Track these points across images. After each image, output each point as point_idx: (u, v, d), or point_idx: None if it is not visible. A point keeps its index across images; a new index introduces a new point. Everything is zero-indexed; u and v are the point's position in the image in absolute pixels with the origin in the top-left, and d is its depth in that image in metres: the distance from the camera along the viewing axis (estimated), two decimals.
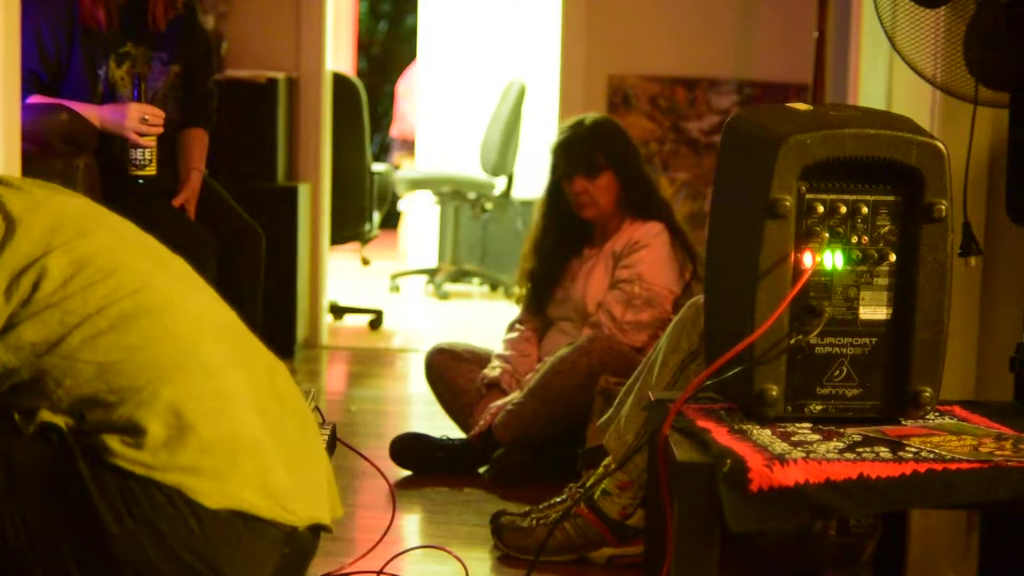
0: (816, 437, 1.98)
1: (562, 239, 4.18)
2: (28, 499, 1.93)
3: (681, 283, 4.04)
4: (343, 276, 7.79)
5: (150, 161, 3.83)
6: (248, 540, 1.99)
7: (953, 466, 1.85)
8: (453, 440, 4.07)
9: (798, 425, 2.04)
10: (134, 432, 1.92)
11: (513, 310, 4.51)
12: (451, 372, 4.23)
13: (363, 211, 6.74)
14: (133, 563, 1.92)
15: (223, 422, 1.99)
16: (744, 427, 2.01)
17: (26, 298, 1.94)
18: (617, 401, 3.22)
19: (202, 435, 1.95)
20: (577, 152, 4.06)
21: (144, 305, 2.00)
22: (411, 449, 4.02)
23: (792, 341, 2.03)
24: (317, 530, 2.15)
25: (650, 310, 3.98)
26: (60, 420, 1.94)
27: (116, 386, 1.94)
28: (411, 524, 3.63)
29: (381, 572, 2.93)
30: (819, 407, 2.06)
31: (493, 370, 4.16)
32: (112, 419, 1.93)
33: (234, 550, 1.97)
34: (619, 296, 4.00)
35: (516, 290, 4.35)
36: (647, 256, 4.01)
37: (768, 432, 1.99)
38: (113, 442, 1.92)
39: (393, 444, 4.03)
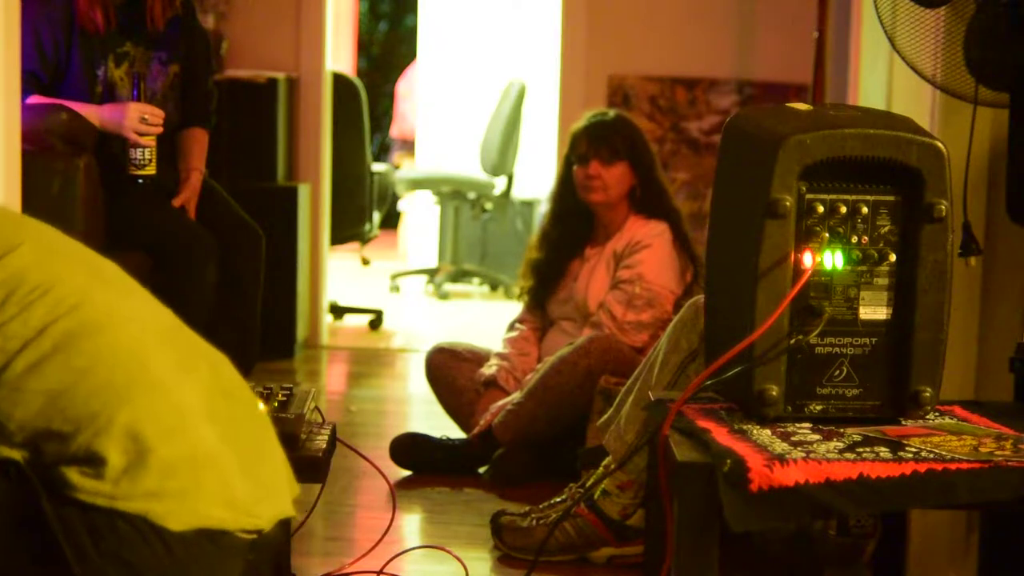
0: (816, 437, 1.98)
1: (568, 233, 4.19)
2: None
3: (682, 284, 4.04)
4: (343, 276, 7.79)
5: (150, 161, 3.83)
6: (215, 555, 1.93)
7: (953, 466, 1.85)
8: (453, 440, 4.07)
9: (798, 425, 2.04)
10: (93, 462, 1.84)
11: (513, 310, 4.51)
12: (451, 372, 4.23)
13: (363, 211, 6.74)
14: None
15: (182, 440, 1.91)
16: (744, 427, 2.01)
17: None
18: (617, 401, 3.22)
19: (163, 457, 1.87)
20: (598, 136, 4.07)
21: (86, 322, 1.90)
22: (411, 449, 4.02)
23: (792, 341, 2.02)
24: (283, 525, 2.10)
25: (651, 310, 3.98)
26: (16, 454, 1.84)
27: (70, 415, 1.85)
28: (411, 524, 3.63)
29: (381, 572, 2.93)
30: (819, 407, 2.06)
31: (490, 368, 4.16)
32: (69, 451, 1.84)
33: (201, 568, 1.91)
34: (620, 296, 4.00)
35: (519, 284, 4.34)
36: (648, 256, 4.01)
37: (768, 432, 1.99)
38: (72, 475, 1.83)
39: (393, 444, 4.03)
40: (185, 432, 1.93)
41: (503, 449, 3.94)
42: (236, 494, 1.95)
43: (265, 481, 2.04)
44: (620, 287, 4.01)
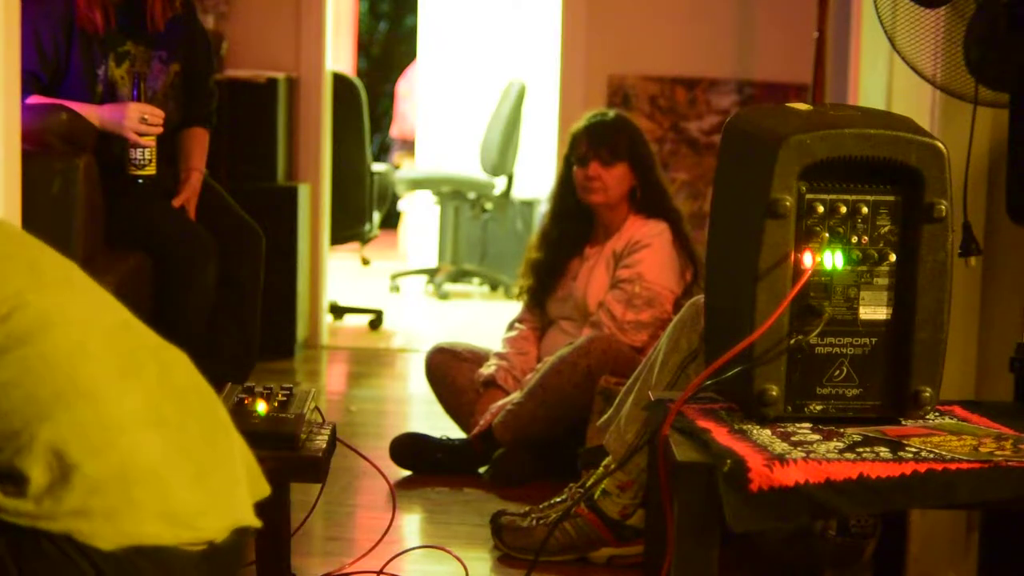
0: (816, 437, 1.98)
1: (567, 232, 4.19)
2: None
3: (682, 284, 4.04)
4: (343, 276, 7.79)
5: (150, 161, 3.83)
6: (153, 573, 1.84)
7: (953, 466, 1.85)
8: (453, 440, 4.07)
9: (798, 425, 2.04)
10: (15, 480, 1.77)
11: (513, 310, 4.51)
12: (451, 372, 4.23)
13: (363, 211, 6.74)
14: None
15: (111, 455, 1.83)
16: (744, 427, 2.01)
17: None
18: (617, 401, 3.22)
19: (88, 474, 1.79)
20: (599, 137, 4.07)
21: (16, 332, 1.82)
22: (411, 449, 4.02)
23: (792, 341, 2.03)
24: (239, 534, 2.00)
25: (650, 310, 3.98)
26: None
27: None
28: (411, 524, 3.63)
29: (381, 572, 2.93)
30: (819, 407, 2.06)
31: (489, 367, 4.16)
32: None
33: None
34: (619, 296, 4.00)
35: (519, 283, 4.34)
36: (648, 256, 4.01)
37: (768, 432, 1.99)
38: None
39: (393, 444, 4.03)
40: (115, 447, 1.84)
41: (503, 449, 3.94)
42: (176, 508, 1.87)
43: (217, 489, 1.95)
44: (620, 286, 4.01)
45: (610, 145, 4.06)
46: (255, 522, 2.00)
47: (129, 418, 1.87)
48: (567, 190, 4.16)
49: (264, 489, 2.06)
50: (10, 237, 1.97)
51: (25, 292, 1.87)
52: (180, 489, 1.88)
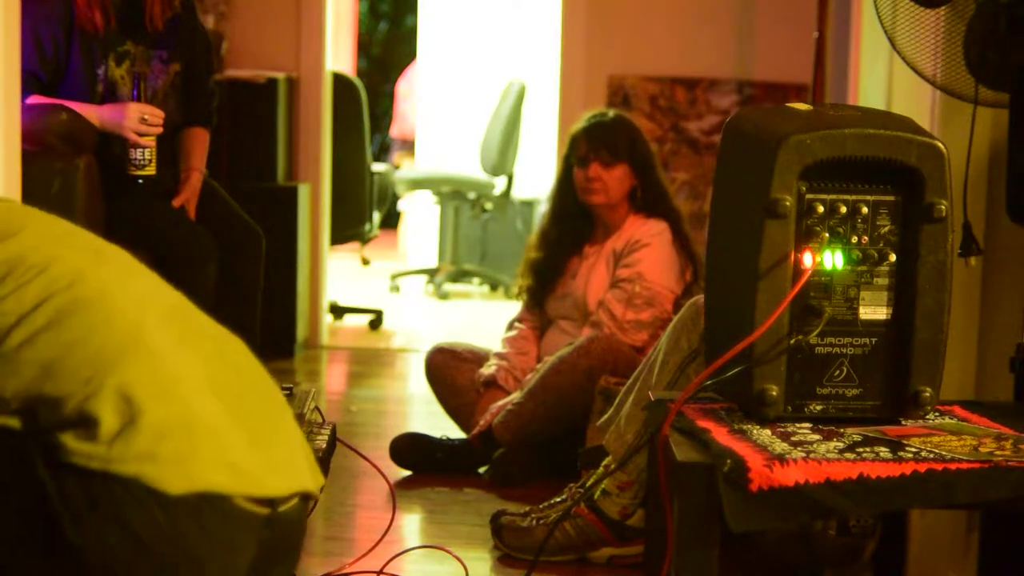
0: (816, 437, 1.98)
1: (567, 232, 4.18)
2: None
3: (682, 283, 4.04)
4: (343, 276, 7.79)
5: (150, 161, 3.83)
6: (220, 524, 1.92)
7: (953, 466, 1.85)
8: (453, 440, 4.07)
9: (798, 425, 2.04)
10: (87, 424, 1.87)
11: (513, 309, 4.51)
12: (451, 372, 4.23)
13: (363, 211, 6.74)
14: (102, 562, 1.87)
15: (176, 404, 1.93)
16: (744, 427, 2.01)
17: None
18: (617, 401, 3.23)
19: (156, 419, 1.89)
20: (598, 138, 4.07)
21: (81, 297, 1.96)
22: (411, 449, 4.02)
23: (792, 341, 2.03)
24: (304, 501, 2.08)
25: (650, 309, 3.98)
26: (13, 422, 1.88)
27: (63, 381, 1.89)
28: (411, 524, 3.63)
29: (381, 572, 2.93)
30: (819, 407, 2.06)
31: (489, 367, 4.16)
32: (63, 415, 1.88)
33: (205, 536, 1.91)
34: (619, 295, 4.00)
35: (518, 283, 4.33)
36: (648, 255, 4.01)
37: (768, 432, 1.99)
38: (67, 439, 1.86)
39: (393, 444, 4.03)
40: (179, 398, 1.93)
41: (503, 449, 3.94)
42: (239, 460, 1.94)
43: (277, 455, 2.02)
44: (619, 286, 4.01)
45: (610, 146, 4.05)
46: (317, 491, 2.07)
47: (189, 378, 1.97)
48: (567, 191, 4.15)
49: (319, 477, 2.12)
50: (73, 227, 2.12)
51: (87, 268, 2.00)
52: (242, 447, 1.96)
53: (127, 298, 2.01)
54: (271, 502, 1.98)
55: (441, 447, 4.03)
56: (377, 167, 7.17)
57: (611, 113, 4.18)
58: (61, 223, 2.12)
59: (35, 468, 1.86)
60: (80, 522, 1.85)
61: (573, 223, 4.17)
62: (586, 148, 4.07)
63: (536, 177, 8.23)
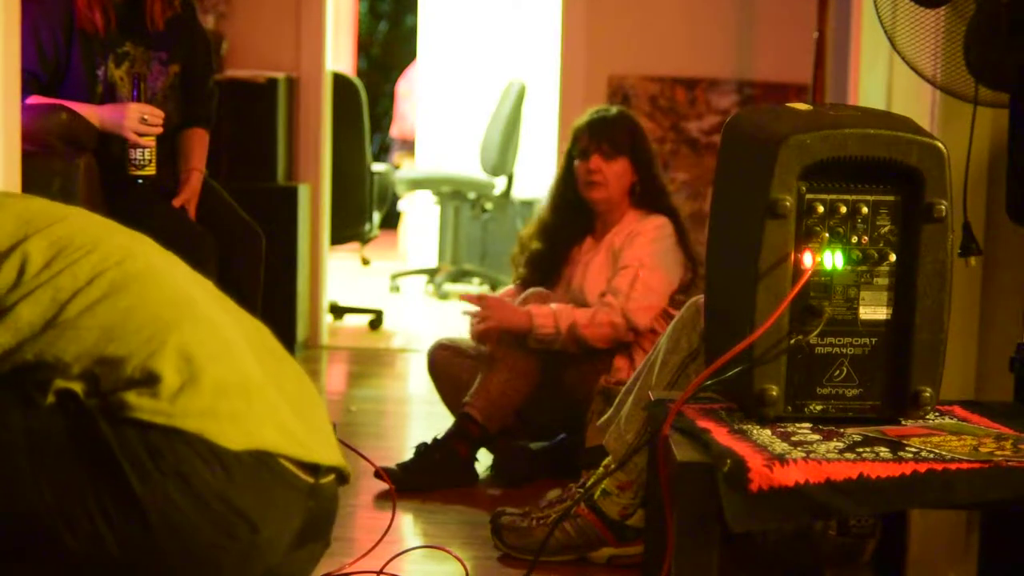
0: (816, 437, 1.98)
1: (566, 224, 4.18)
2: (53, 469, 1.93)
3: (680, 277, 4.04)
4: (343, 276, 7.79)
5: (149, 161, 3.83)
6: (274, 487, 2.00)
7: (953, 466, 1.85)
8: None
9: (798, 425, 2.04)
10: (149, 382, 1.94)
11: None
12: (454, 367, 4.21)
13: (363, 211, 6.74)
14: (164, 517, 1.93)
15: (232, 364, 2.02)
16: (744, 427, 2.01)
17: (12, 283, 1.99)
18: (617, 401, 3.22)
19: (215, 377, 1.97)
20: (601, 131, 4.07)
21: (132, 272, 2.05)
22: (515, 462, 4.00)
23: (792, 341, 2.03)
24: (337, 479, 2.16)
25: (652, 296, 3.97)
26: (75, 386, 1.95)
27: (123, 342, 1.97)
28: (411, 524, 3.63)
29: (381, 572, 2.93)
30: (819, 407, 2.06)
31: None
32: (126, 374, 1.95)
33: (262, 497, 1.98)
34: (624, 277, 3.98)
35: (514, 274, 4.31)
36: (648, 246, 4.00)
37: (768, 432, 1.99)
38: (130, 397, 1.93)
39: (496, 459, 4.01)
40: (233, 359, 2.02)
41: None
42: (287, 422, 2.02)
43: (315, 427, 2.10)
44: (622, 273, 4.00)
45: (612, 139, 4.06)
46: (348, 469, 2.16)
47: (239, 343, 2.08)
48: (567, 185, 4.15)
49: (346, 465, 2.20)
50: (105, 218, 2.25)
51: (132, 247, 2.12)
52: (288, 412, 2.05)
53: (174, 275, 2.12)
54: (315, 470, 2.06)
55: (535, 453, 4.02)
56: (377, 167, 7.17)
57: (614, 109, 4.19)
58: (96, 215, 2.23)
59: (98, 425, 1.92)
60: (145, 476, 1.91)
61: (572, 216, 4.16)
62: (588, 140, 4.07)
63: (536, 177, 8.23)
